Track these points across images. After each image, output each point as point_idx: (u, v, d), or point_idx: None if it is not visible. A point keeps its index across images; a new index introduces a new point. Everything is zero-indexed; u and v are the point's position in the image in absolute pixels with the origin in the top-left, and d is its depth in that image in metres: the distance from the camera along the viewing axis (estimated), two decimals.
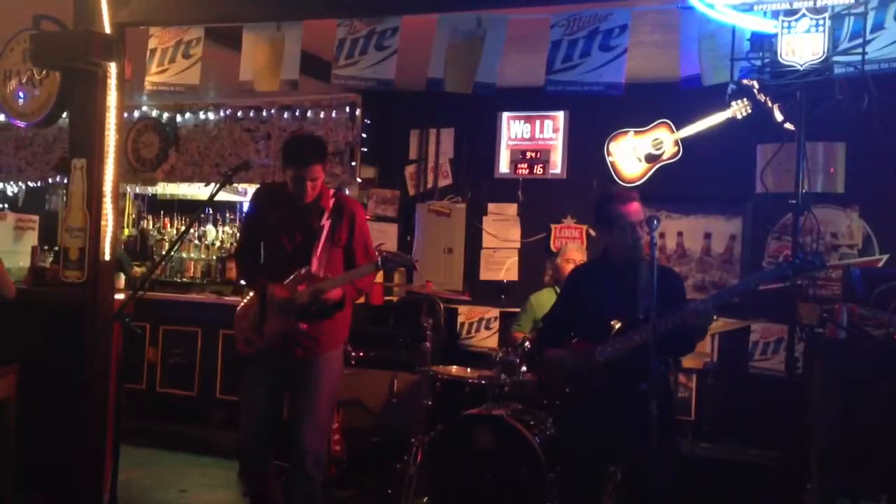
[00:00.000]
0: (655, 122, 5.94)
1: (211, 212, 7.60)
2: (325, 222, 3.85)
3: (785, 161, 4.43)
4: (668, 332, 3.32)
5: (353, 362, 5.16)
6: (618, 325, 3.50)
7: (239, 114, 7.13)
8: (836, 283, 5.07)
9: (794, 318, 4.25)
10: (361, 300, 6.39)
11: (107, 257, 4.66)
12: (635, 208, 3.58)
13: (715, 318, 5.02)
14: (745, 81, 4.15)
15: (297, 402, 3.89)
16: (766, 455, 4.30)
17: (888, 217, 5.29)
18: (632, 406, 3.30)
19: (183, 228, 7.47)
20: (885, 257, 5.30)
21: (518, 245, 6.49)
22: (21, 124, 5.23)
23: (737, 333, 5.53)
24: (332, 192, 3.99)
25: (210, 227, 7.58)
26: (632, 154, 6.01)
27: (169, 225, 7.83)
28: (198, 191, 7.67)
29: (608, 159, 6.06)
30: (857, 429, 3.59)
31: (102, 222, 4.63)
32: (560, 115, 6.38)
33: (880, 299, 3.77)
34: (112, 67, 4.63)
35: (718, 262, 5.86)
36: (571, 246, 5.43)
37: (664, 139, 5.90)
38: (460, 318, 6.56)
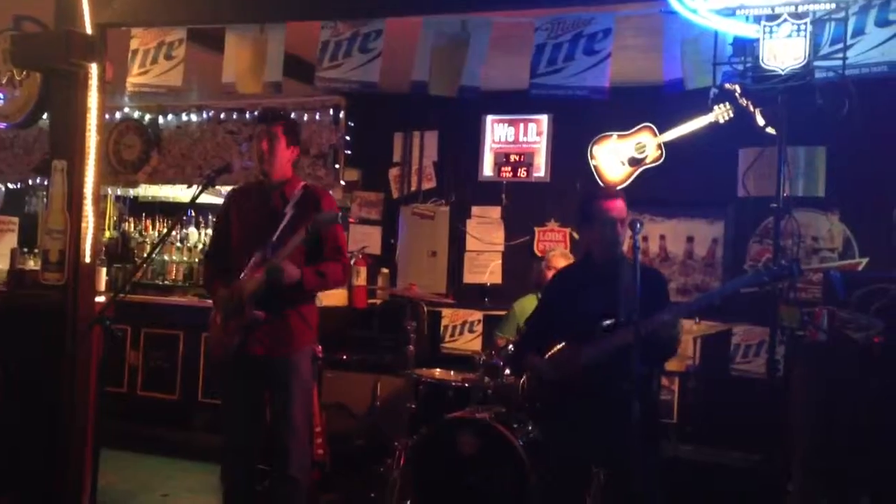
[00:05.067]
0: (638, 126, 5.96)
1: (193, 214, 7.55)
2: (289, 210, 3.81)
3: (766, 165, 4.45)
4: (646, 337, 3.32)
5: (319, 363, 5.13)
6: (600, 328, 3.49)
7: (222, 116, 7.10)
8: (816, 287, 5.10)
9: (776, 321, 4.28)
10: (344, 302, 6.43)
11: (87, 259, 4.62)
12: (618, 205, 3.59)
13: (697, 321, 5.07)
14: (727, 86, 4.16)
15: (274, 406, 3.87)
16: (747, 457, 4.32)
17: (868, 220, 5.33)
18: (615, 408, 3.30)
19: (165, 231, 7.42)
20: (865, 260, 5.34)
21: (502, 248, 6.49)
22: (1, 125, 5.18)
23: (719, 336, 5.55)
24: (302, 182, 3.98)
25: (192, 230, 7.53)
26: (615, 158, 6.03)
27: (151, 227, 7.77)
28: (180, 193, 7.63)
29: (591, 163, 6.08)
30: (837, 431, 3.61)
31: (83, 224, 4.60)
32: (544, 119, 6.40)
33: (860, 302, 3.80)
34: (93, 68, 4.60)
35: (701, 265, 5.89)
36: (555, 254, 5.37)
37: (647, 143, 5.92)
38: (444, 322, 6.56)
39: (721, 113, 5.38)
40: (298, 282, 3.71)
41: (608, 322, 3.47)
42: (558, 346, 3.63)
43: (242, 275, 3.77)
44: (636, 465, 3.23)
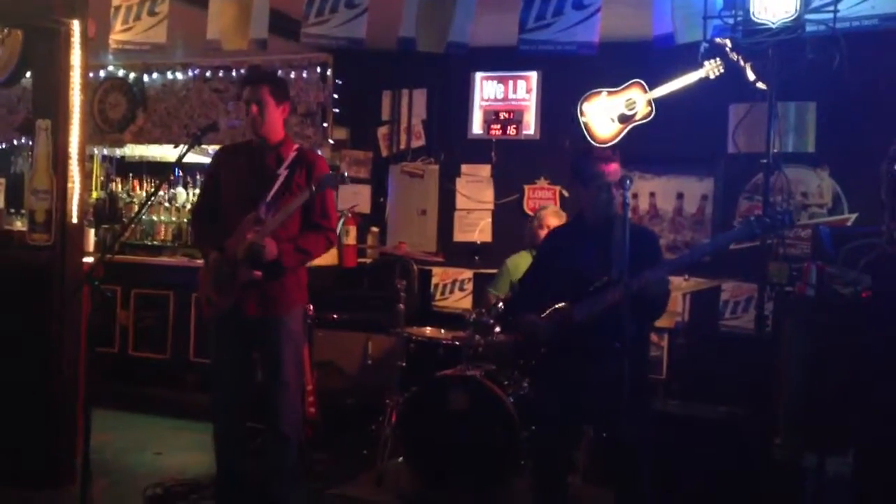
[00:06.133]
0: (628, 83, 5.91)
1: (180, 174, 7.49)
2: (283, 171, 3.79)
3: (756, 121, 4.45)
4: (638, 293, 3.33)
5: (309, 321, 5.14)
6: (594, 286, 3.49)
7: (207, 74, 7.01)
8: (805, 242, 5.12)
9: (764, 277, 4.30)
10: (333, 261, 6.42)
11: (74, 220, 4.59)
12: (614, 168, 3.56)
13: (686, 277, 5.09)
14: (717, 40, 4.14)
15: (265, 365, 3.89)
16: (735, 412, 4.36)
17: (858, 176, 5.32)
18: (606, 365, 3.32)
19: (152, 191, 7.37)
20: (854, 216, 5.35)
21: (491, 206, 6.47)
22: None
23: (707, 293, 5.58)
24: (296, 145, 3.95)
25: (180, 190, 7.48)
26: (605, 114, 5.99)
27: (138, 187, 7.71)
28: (167, 152, 7.57)
29: (581, 120, 6.04)
30: (824, 385, 3.65)
31: (69, 184, 4.56)
32: (533, 76, 6.34)
33: (849, 258, 3.82)
34: (75, 25, 4.52)
35: (690, 222, 5.89)
36: (547, 212, 5.35)
37: (637, 99, 5.88)
38: (434, 280, 6.56)
39: (711, 68, 5.33)
40: (277, 260, 3.70)
41: (600, 281, 3.48)
42: (552, 305, 3.64)
43: (234, 235, 3.74)
44: (626, 422, 3.26)
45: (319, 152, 6.54)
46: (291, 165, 3.82)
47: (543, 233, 5.04)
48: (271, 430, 3.85)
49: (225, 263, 3.74)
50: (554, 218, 5.16)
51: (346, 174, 3.85)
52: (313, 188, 3.66)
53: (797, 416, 3.73)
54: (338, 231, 6.23)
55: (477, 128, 6.50)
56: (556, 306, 3.60)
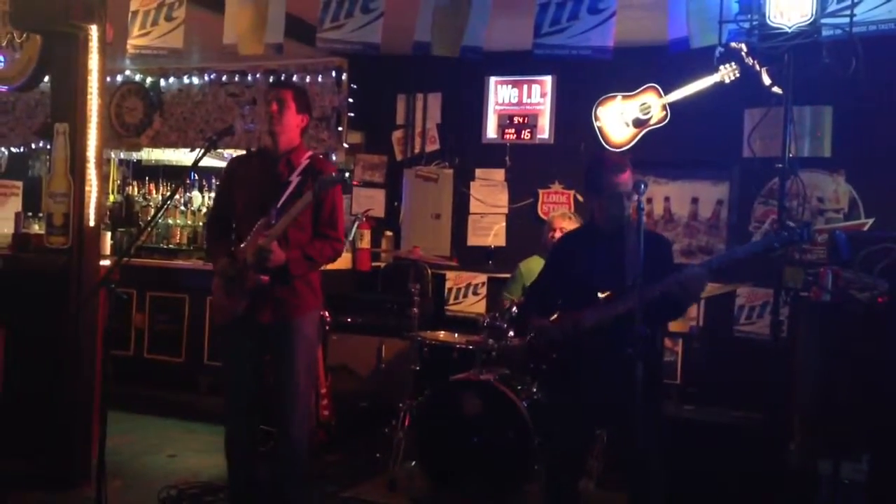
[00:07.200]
0: (643, 87, 5.91)
1: (196, 178, 7.54)
2: (294, 178, 3.79)
3: (772, 125, 4.42)
4: (657, 298, 3.32)
5: (327, 327, 5.16)
6: (606, 294, 3.49)
7: (224, 78, 7.06)
8: (821, 247, 5.09)
9: (780, 282, 4.28)
10: (348, 265, 6.44)
11: (91, 223, 4.63)
12: (625, 178, 3.55)
13: None
14: (733, 44, 4.13)
15: (276, 371, 3.88)
16: (750, 417, 4.34)
17: (874, 181, 5.30)
18: (619, 369, 3.31)
19: (168, 194, 7.41)
20: (871, 221, 5.32)
21: (505, 210, 6.48)
22: (2, 88, 5.16)
23: (722, 298, 5.55)
24: (308, 152, 3.94)
25: (196, 193, 7.52)
26: (619, 119, 5.98)
27: (154, 191, 7.77)
28: (183, 156, 7.61)
29: (596, 124, 6.04)
30: (840, 391, 3.63)
31: (86, 188, 4.60)
32: (548, 80, 6.34)
33: (865, 262, 3.80)
34: (94, 30, 4.56)
35: (705, 226, 5.87)
36: (557, 215, 5.34)
37: (652, 104, 5.88)
38: (448, 284, 6.56)
39: (727, 73, 5.32)
40: (284, 266, 3.70)
41: (605, 294, 3.47)
42: (563, 309, 3.63)
43: (245, 241, 3.75)
44: (639, 426, 3.25)
45: (334, 156, 6.57)
46: (303, 173, 3.81)
47: (554, 235, 5.04)
48: (282, 433, 3.85)
49: (234, 268, 3.75)
50: (564, 221, 5.15)
51: (346, 173, 3.81)
52: (315, 188, 3.64)
53: (812, 421, 3.71)
54: (350, 238, 6.27)
55: (491, 132, 6.51)
56: (566, 311, 3.59)
